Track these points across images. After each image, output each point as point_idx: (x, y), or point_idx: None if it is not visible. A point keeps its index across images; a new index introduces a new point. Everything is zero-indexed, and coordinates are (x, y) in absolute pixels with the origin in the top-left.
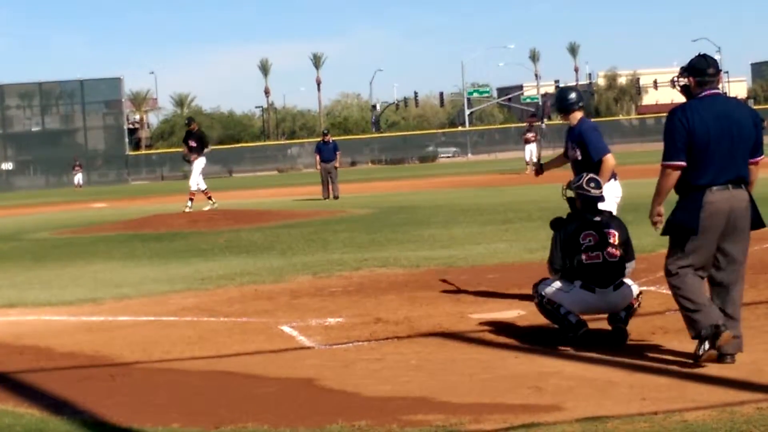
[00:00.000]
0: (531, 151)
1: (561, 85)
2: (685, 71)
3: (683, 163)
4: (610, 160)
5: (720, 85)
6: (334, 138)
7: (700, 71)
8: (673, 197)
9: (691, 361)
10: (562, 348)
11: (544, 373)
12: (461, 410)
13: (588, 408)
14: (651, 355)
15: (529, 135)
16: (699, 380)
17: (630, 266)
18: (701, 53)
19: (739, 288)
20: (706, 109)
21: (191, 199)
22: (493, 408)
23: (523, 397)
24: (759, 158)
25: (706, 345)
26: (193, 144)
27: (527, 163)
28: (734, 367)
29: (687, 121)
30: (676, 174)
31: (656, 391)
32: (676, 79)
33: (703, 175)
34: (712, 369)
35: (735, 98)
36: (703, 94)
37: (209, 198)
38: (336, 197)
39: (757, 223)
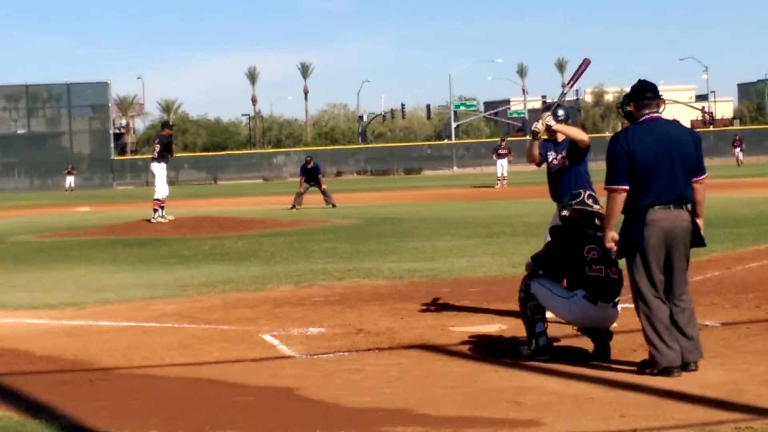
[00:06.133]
0: (502, 166)
1: (548, 100)
2: (626, 97)
3: (626, 187)
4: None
5: (661, 109)
6: (320, 147)
7: (640, 95)
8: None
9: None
10: (544, 363)
11: (524, 387)
12: (441, 423)
13: (566, 424)
14: (632, 371)
15: (502, 151)
16: (678, 399)
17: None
18: (641, 79)
19: (687, 298)
20: (646, 133)
21: (162, 207)
22: (473, 421)
23: (503, 412)
24: (702, 177)
25: (655, 371)
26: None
27: (498, 179)
28: (714, 387)
29: (627, 146)
30: (622, 197)
31: (635, 408)
32: (619, 105)
33: (645, 197)
34: (692, 387)
35: (674, 120)
36: (643, 118)
37: (162, 208)
38: (334, 206)
39: (697, 241)
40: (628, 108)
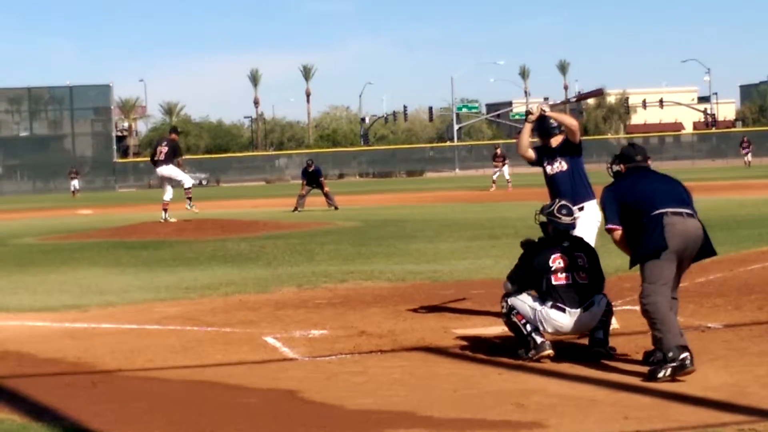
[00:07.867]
0: (501, 170)
1: (551, 102)
2: (617, 158)
3: (619, 228)
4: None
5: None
6: (322, 150)
7: (630, 158)
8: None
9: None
10: (547, 365)
11: (527, 390)
12: (443, 425)
13: (570, 426)
14: (635, 374)
15: (499, 157)
16: (682, 400)
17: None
18: (630, 143)
19: (675, 302)
20: (633, 173)
21: (165, 210)
22: (475, 423)
23: (506, 414)
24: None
25: (668, 371)
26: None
27: (493, 182)
28: (717, 389)
29: (620, 189)
30: (618, 233)
31: (639, 410)
32: (609, 165)
33: (657, 207)
34: (695, 389)
35: None
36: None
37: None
38: (336, 208)
39: (708, 251)
40: (618, 168)
